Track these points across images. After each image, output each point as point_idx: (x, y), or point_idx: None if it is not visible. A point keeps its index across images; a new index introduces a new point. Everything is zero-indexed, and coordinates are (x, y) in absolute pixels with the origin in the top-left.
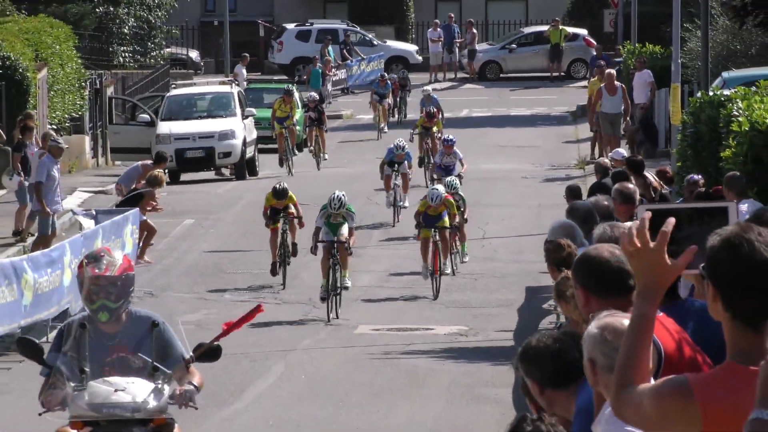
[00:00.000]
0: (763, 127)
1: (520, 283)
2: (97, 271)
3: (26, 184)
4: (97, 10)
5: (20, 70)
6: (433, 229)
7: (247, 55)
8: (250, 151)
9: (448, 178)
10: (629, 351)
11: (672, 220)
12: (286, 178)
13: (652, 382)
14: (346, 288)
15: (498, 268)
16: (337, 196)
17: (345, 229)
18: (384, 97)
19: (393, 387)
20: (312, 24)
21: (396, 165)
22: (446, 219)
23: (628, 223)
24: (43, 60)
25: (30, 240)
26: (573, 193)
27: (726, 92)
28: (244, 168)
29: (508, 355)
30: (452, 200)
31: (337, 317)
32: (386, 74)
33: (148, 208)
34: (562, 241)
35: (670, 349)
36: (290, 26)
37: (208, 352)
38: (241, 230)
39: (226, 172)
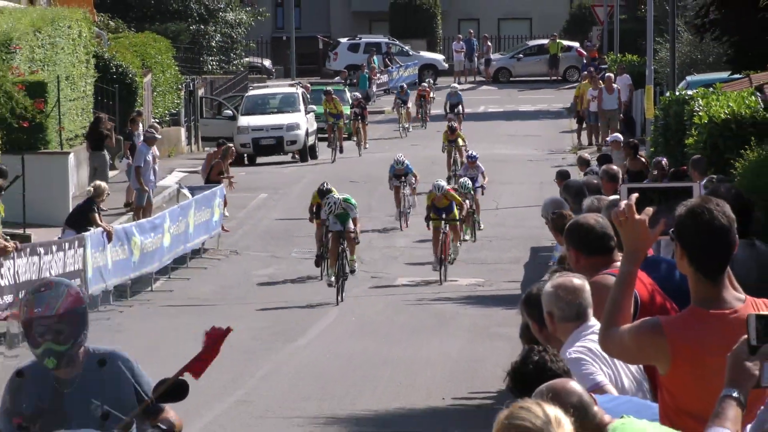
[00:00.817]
0: (719, 121)
1: (526, 244)
2: (37, 310)
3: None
4: (190, 27)
5: (130, 76)
6: (443, 222)
7: (345, 71)
8: (311, 140)
9: (462, 180)
10: (615, 300)
11: (649, 210)
12: (330, 164)
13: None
14: (353, 271)
15: (508, 233)
16: (335, 201)
17: (351, 222)
18: (405, 102)
19: (425, 326)
20: (360, 38)
21: (402, 177)
22: (456, 212)
23: (613, 197)
24: (148, 67)
25: None
26: (562, 175)
27: (689, 92)
28: (306, 153)
29: (516, 301)
30: (453, 193)
31: (343, 300)
32: (405, 85)
33: (222, 177)
34: (564, 212)
35: (644, 297)
36: (343, 40)
37: (171, 391)
38: (304, 203)
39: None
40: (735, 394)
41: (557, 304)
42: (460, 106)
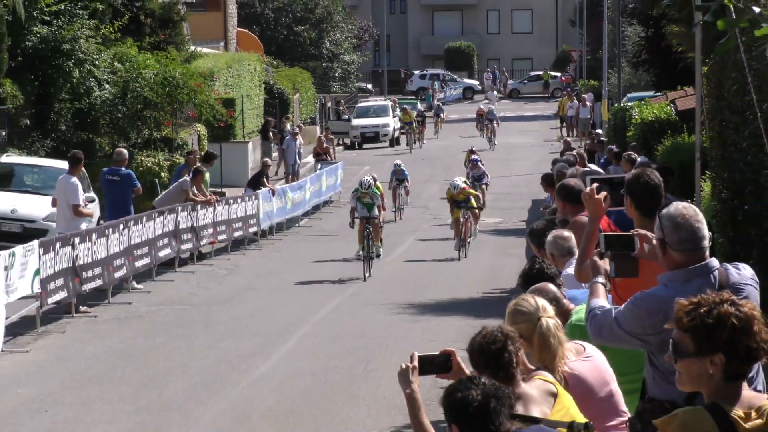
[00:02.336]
0: (648, 121)
1: (529, 197)
2: None
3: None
4: (322, 64)
5: (285, 94)
6: (462, 210)
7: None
8: (396, 134)
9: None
10: (584, 246)
11: (603, 192)
12: (408, 153)
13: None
14: (378, 256)
15: (517, 190)
16: (367, 180)
17: (376, 209)
18: (438, 115)
19: (468, 249)
20: (427, 71)
21: (400, 179)
22: (473, 200)
23: (584, 168)
24: (296, 89)
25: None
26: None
27: (629, 104)
28: (393, 142)
29: (523, 233)
30: (468, 189)
31: (370, 275)
32: (441, 104)
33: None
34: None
35: (605, 229)
36: (416, 72)
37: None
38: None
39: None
40: (600, 280)
41: (557, 247)
42: (495, 121)
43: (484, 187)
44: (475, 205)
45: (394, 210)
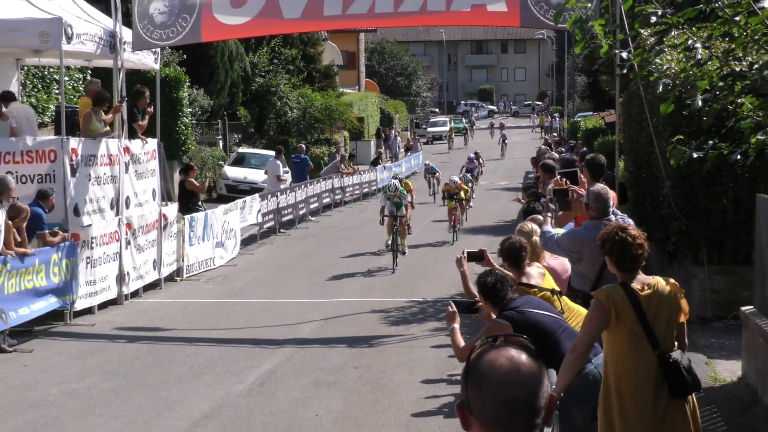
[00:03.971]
0: (589, 128)
1: (523, 170)
2: None
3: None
4: (411, 98)
5: (391, 115)
6: (454, 201)
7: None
8: (449, 136)
9: (466, 174)
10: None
11: (565, 179)
12: (447, 151)
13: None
14: (404, 253)
15: (516, 166)
16: (394, 184)
17: (404, 209)
18: (472, 127)
19: (483, 200)
20: (468, 101)
21: (431, 172)
22: (463, 194)
23: (558, 157)
24: (397, 112)
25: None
26: (540, 151)
27: (579, 119)
28: (448, 142)
29: (519, 189)
30: (462, 185)
31: (397, 266)
32: (474, 119)
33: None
34: (547, 156)
35: (562, 185)
36: (462, 102)
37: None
38: (448, 162)
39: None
40: (549, 215)
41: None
42: (506, 139)
43: (474, 180)
44: (464, 197)
45: (429, 194)
